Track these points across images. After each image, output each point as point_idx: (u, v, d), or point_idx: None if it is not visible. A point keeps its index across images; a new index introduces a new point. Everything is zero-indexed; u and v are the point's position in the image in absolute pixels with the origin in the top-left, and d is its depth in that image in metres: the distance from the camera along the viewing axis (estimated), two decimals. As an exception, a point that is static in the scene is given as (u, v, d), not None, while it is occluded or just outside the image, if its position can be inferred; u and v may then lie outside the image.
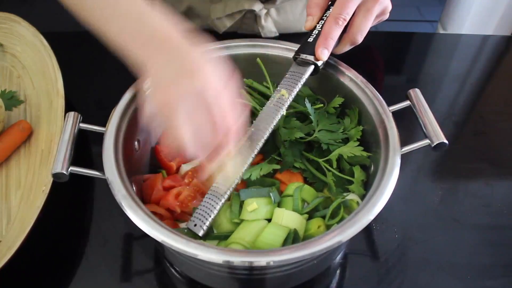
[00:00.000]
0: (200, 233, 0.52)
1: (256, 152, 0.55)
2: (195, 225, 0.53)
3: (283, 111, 0.57)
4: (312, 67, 0.59)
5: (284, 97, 0.57)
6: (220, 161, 0.51)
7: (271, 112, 0.57)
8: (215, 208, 0.53)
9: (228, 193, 0.54)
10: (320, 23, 0.62)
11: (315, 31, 0.61)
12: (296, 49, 0.62)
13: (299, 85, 0.59)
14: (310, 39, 0.61)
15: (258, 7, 0.88)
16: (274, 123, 0.56)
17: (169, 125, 0.46)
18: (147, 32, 0.49)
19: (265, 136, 0.56)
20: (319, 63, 0.59)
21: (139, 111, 0.48)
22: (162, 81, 0.47)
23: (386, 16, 0.63)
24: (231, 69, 0.50)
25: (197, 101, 0.45)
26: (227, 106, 0.47)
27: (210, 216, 0.53)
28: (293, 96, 0.58)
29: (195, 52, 0.48)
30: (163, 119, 0.47)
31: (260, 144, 0.55)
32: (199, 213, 0.53)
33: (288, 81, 0.59)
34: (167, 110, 0.46)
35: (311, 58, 0.59)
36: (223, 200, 0.54)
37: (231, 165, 0.53)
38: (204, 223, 0.52)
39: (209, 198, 0.54)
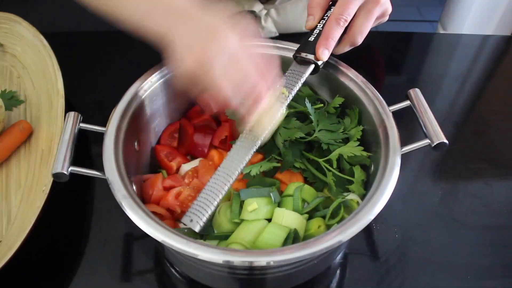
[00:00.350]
0: (197, 229, 0.51)
1: (254, 149, 0.55)
2: (191, 220, 0.51)
3: (283, 109, 0.57)
4: (312, 66, 0.60)
5: (284, 95, 0.57)
6: (260, 112, 0.52)
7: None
8: (212, 203, 0.52)
9: (226, 188, 0.53)
10: (320, 23, 0.62)
11: (316, 30, 0.61)
12: (296, 48, 0.62)
13: (299, 84, 0.59)
14: (311, 38, 0.61)
15: (258, 8, 0.88)
16: (274, 120, 0.56)
17: (209, 80, 0.47)
18: (164, 5, 0.50)
19: (261, 140, 0.55)
20: (319, 62, 0.59)
21: (173, 79, 0.49)
22: (190, 44, 0.48)
23: (386, 18, 0.63)
24: (253, 28, 0.52)
25: (229, 57, 0.47)
26: (258, 58, 0.50)
27: (207, 212, 0.51)
28: (293, 95, 0.58)
29: (214, 18, 0.50)
30: (201, 77, 0.48)
31: (260, 141, 0.55)
32: (196, 208, 0.52)
33: (288, 79, 0.59)
34: (204, 67, 0.47)
35: (311, 57, 0.59)
36: (221, 196, 0.53)
37: (267, 118, 0.54)
38: (201, 219, 0.51)
39: (206, 193, 0.53)
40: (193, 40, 0.48)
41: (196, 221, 0.51)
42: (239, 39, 0.49)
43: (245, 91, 0.49)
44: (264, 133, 0.55)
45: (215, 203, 0.52)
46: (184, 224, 0.53)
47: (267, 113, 0.53)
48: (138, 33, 0.52)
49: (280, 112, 0.55)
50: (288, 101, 0.58)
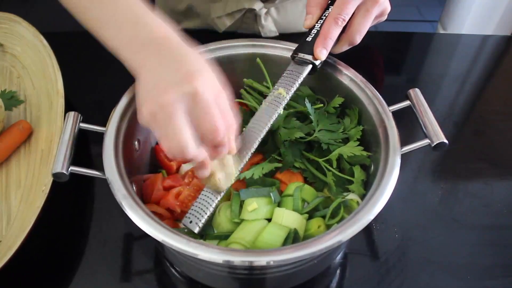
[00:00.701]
0: (196, 230, 0.52)
1: (252, 150, 0.55)
2: (191, 221, 0.52)
3: (281, 110, 0.57)
4: (310, 66, 0.60)
5: (281, 95, 0.58)
6: (221, 159, 0.51)
7: (268, 110, 0.57)
8: (211, 205, 0.53)
9: (225, 189, 0.54)
10: (319, 22, 0.62)
11: (314, 30, 0.61)
12: (294, 48, 0.62)
13: (297, 84, 0.59)
14: (309, 39, 0.61)
15: (258, 6, 0.88)
16: (271, 122, 0.56)
17: (166, 130, 0.44)
18: (144, 35, 0.48)
19: (262, 135, 0.56)
20: (317, 62, 0.59)
21: (137, 114, 0.47)
22: (156, 85, 0.45)
23: (385, 18, 0.63)
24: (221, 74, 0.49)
25: (195, 103, 0.44)
26: (227, 106, 0.47)
27: (206, 213, 0.52)
28: (290, 95, 0.58)
29: (194, 53, 0.47)
30: (159, 124, 0.45)
31: (257, 142, 0.55)
32: (195, 210, 0.53)
33: (285, 79, 0.59)
34: (163, 114, 0.44)
35: (309, 57, 0.59)
36: (219, 197, 0.53)
37: (231, 162, 0.53)
38: (200, 220, 0.52)
39: (205, 195, 0.54)
40: (162, 78, 0.45)
41: (195, 222, 0.52)
42: (213, 82, 0.46)
43: (205, 141, 0.46)
44: (221, 186, 0.53)
45: (214, 204, 0.53)
46: (185, 226, 0.53)
47: (229, 158, 0.52)
48: (117, 57, 0.49)
49: (230, 180, 0.53)
50: (286, 101, 0.58)
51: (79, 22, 0.53)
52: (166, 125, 0.44)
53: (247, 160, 0.55)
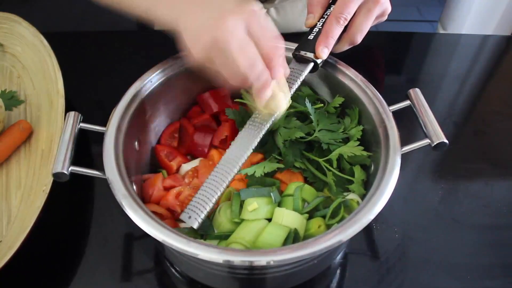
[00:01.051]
0: (195, 226, 0.51)
1: (254, 145, 0.55)
2: (190, 217, 0.51)
3: (289, 99, 0.57)
4: (312, 64, 0.60)
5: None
6: (277, 80, 0.52)
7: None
8: (210, 200, 0.52)
9: (224, 185, 0.53)
10: (320, 21, 0.62)
11: (316, 29, 0.61)
12: (296, 46, 0.62)
13: (299, 82, 0.59)
14: (311, 37, 0.61)
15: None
16: (273, 118, 0.56)
17: (226, 61, 0.47)
18: None
19: (264, 131, 0.55)
20: (319, 61, 0.59)
21: (188, 59, 0.49)
22: (202, 24, 0.48)
23: (385, 18, 0.64)
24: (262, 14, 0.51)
25: (254, 23, 0.48)
26: (272, 37, 0.50)
27: (205, 209, 0.52)
28: (292, 93, 0.58)
29: (224, 1, 0.49)
30: (216, 59, 0.47)
31: (258, 139, 0.55)
32: (194, 205, 0.52)
33: (287, 78, 0.59)
34: (218, 48, 0.47)
35: (311, 55, 0.59)
36: (219, 193, 0.52)
37: (285, 83, 0.54)
38: (199, 215, 0.51)
39: (205, 190, 0.53)
40: (206, 21, 0.48)
41: (194, 217, 0.51)
42: (256, 15, 0.49)
43: (259, 68, 0.49)
44: (273, 117, 0.55)
45: (214, 200, 0.52)
46: (184, 222, 0.53)
47: (276, 95, 0.53)
48: (149, 21, 0.52)
49: (287, 100, 0.55)
50: (288, 98, 0.58)
51: (101, 2, 0.54)
52: (224, 58, 0.47)
53: (248, 155, 0.55)
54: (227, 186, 0.53)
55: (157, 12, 0.51)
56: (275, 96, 0.53)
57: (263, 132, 0.56)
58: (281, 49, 0.52)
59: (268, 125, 0.56)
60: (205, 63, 0.49)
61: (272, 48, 0.49)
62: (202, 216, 0.51)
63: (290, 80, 0.59)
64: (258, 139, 0.55)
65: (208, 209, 0.52)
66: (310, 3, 0.63)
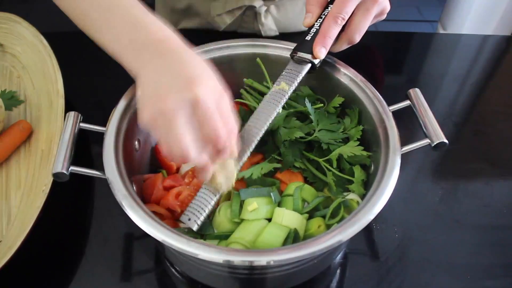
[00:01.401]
0: (194, 228, 0.51)
1: (251, 149, 0.55)
2: (189, 219, 0.52)
3: (280, 108, 0.57)
4: (309, 65, 0.60)
5: (283, 90, 0.57)
6: (222, 162, 0.51)
7: (268, 108, 0.57)
8: (209, 202, 0.53)
9: (225, 191, 0.54)
10: (318, 21, 0.62)
11: (313, 29, 0.61)
12: (293, 47, 0.62)
13: (296, 83, 0.59)
14: (308, 37, 0.61)
15: (258, 3, 0.88)
16: (270, 121, 0.56)
17: (167, 135, 0.44)
18: (143, 37, 0.47)
19: (261, 134, 0.55)
20: (316, 61, 0.59)
21: (138, 117, 0.47)
22: (156, 90, 0.44)
23: (384, 17, 0.63)
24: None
25: (196, 109, 0.43)
26: (228, 110, 0.47)
27: (204, 211, 0.52)
28: (289, 94, 0.58)
29: (194, 56, 0.47)
30: (160, 130, 0.44)
31: (255, 142, 0.55)
32: (193, 207, 0.53)
33: (284, 78, 0.59)
34: (164, 120, 0.43)
35: (308, 56, 0.59)
36: (218, 195, 0.53)
37: (232, 165, 0.53)
38: (199, 218, 0.52)
39: (204, 193, 0.53)
40: (162, 82, 0.44)
41: (194, 220, 0.52)
42: (214, 87, 0.45)
43: (206, 145, 0.46)
44: (222, 187, 0.53)
45: (213, 202, 0.53)
46: (183, 223, 0.53)
47: (215, 178, 0.52)
48: (116, 61, 0.48)
49: (229, 183, 0.53)
50: (286, 99, 0.57)
51: (79, 27, 0.53)
52: (166, 131, 0.44)
53: (245, 159, 0.55)
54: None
55: (126, 57, 0.48)
56: (215, 178, 0.52)
57: (263, 131, 0.56)
58: (230, 130, 0.47)
59: (268, 123, 0.56)
60: (150, 128, 0.45)
61: (217, 132, 0.45)
62: (202, 218, 0.52)
63: (287, 81, 0.59)
64: (258, 139, 0.55)
65: (207, 211, 0.53)
66: (308, 2, 0.63)
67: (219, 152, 0.47)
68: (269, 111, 0.57)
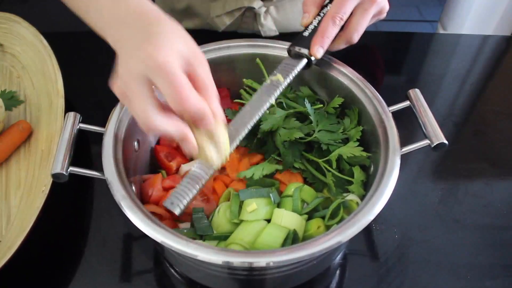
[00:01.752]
0: (177, 212, 0.49)
1: (249, 127, 0.53)
2: (172, 203, 0.50)
3: (274, 98, 0.57)
4: (305, 60, 0.60)
5: (278, 81, 0.57)
6: (210, 132, 0.47)
7: (264, 95, 0.56)
8: (194, 187, 0.50)
9: (210, 174, 0.51)
10: (316, 19, 0.62)
11: (311, 26, 0.62)
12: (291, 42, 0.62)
13: (291, 76, 0.59)
14: (306, 33, 0.61)
15: (257, 4, 0.88)
16: (267, 106, 0.55)
17: (133, 106, 0.43)
18: (123, 11, 0.46)
19: (255, 119, 0.54)
20: (312, 58, 0.60)
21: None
22: (125, 62, 0.43)
23: (383, 16, 0.63)
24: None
25: (156, 75, 0.41)
26: (203, 74, 0.45)
27: (188, 196, 0.50)
28: (284, 87, 0.57)
29: (168, 25, 0.45)
30: (125, 102, 0.44)
31: (251, 124, 0.54)
32: (177, 192, 0.50)
33: (280, 71, 0.59)
34: (129, 92, 0.43)
35: (305, 51, 0.59)
36: (203, 181, 0.51)
37: (223, 136, 0.49)
38: (181, 201, 0.49)
39: (190, 178, 0.51)
40: (128, 57, 0.43)
41: (176, 204, 0.49)
42: (177, 56, 0.43)
43: (180, 113, 0.44)
44: (215, 161, 0.49)
45: (198, 187, 0.51)
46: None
47: (203, 150, 0.48)
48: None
49: (220, 156, 0.49)
50: (280, 91, 0.57)
51: (73, 10, 0.52)
52: (132, 102, 0.43)
53: (242, 136, 0.53)
54: (211, 176, 0.52)
55: (107, 32, 0.47)
56: (204, 151, 0.48)
57: (251, 124, 0.54)
58: (206, 93, 0.45)
59: (255, 119, 0.55)
60: (121, 102, 0.44)
61: (180, 96, 0.42)
62: (185, 202, 0.50)
63: (283, 75, 0.58)
64: (246, 131, 0.54)
65: (191, 196, 0.50)
66: (305, 2, 0.63)
67: (195, 118, 0.44)
68: (265, 99, 0.56)
